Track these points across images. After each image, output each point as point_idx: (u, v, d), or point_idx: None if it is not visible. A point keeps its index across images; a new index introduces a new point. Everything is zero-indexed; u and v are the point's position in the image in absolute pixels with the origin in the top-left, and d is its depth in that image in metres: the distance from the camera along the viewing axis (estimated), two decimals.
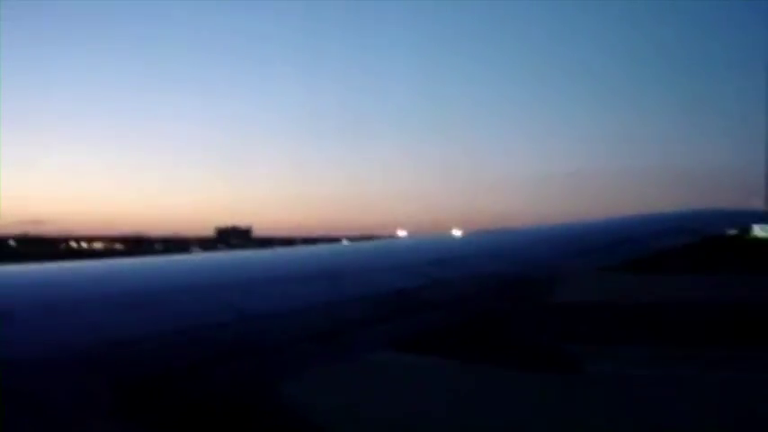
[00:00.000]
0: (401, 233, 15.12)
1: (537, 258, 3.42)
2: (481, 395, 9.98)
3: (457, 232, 4.09)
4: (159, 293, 1.86)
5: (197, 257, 2.96)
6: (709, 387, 10.69)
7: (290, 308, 2.02)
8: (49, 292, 1.72)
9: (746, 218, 5.32)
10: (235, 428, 1.62)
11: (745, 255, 32.93)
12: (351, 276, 2.47)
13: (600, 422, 8.95)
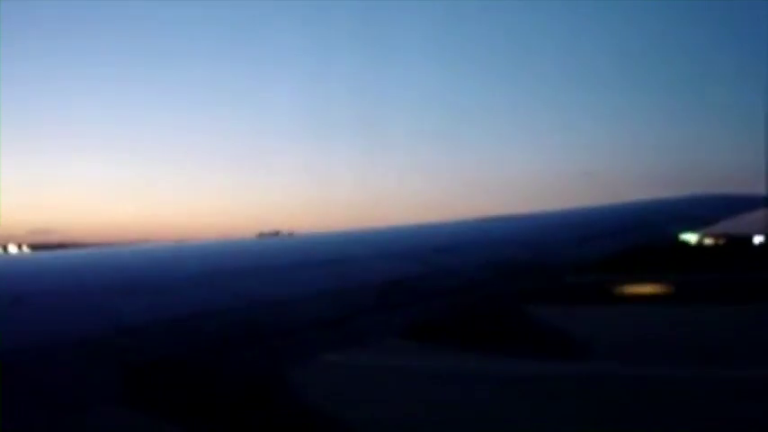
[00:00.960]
0: None
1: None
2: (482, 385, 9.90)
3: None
4: (162, 281, 1.85)
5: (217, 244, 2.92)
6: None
7: (295, 295, 1.99)
8: (55, 279, 1.73)
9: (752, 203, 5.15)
10: (240, 416, 1.61)
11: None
12: (355, 263, 2.43)
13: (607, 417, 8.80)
